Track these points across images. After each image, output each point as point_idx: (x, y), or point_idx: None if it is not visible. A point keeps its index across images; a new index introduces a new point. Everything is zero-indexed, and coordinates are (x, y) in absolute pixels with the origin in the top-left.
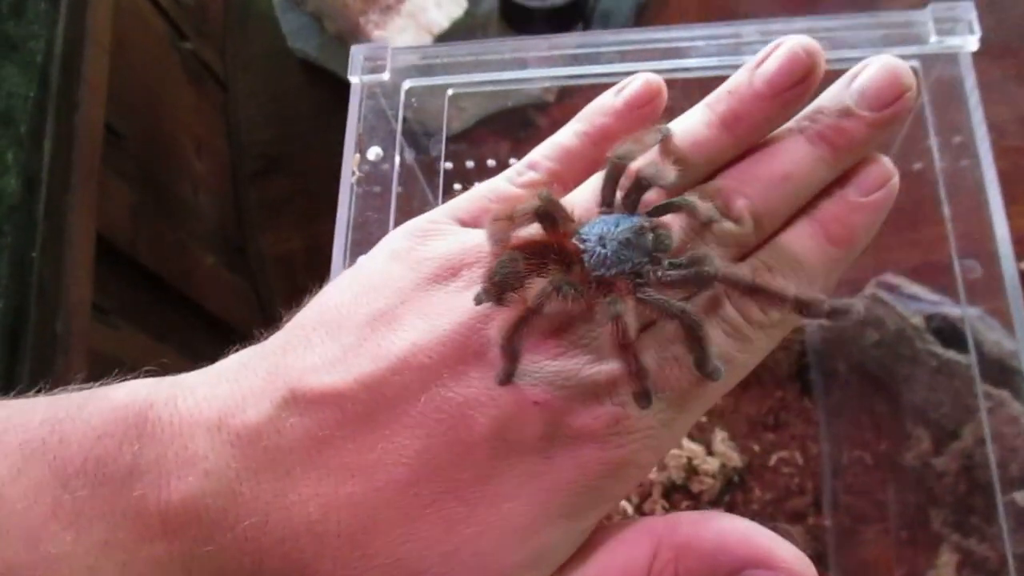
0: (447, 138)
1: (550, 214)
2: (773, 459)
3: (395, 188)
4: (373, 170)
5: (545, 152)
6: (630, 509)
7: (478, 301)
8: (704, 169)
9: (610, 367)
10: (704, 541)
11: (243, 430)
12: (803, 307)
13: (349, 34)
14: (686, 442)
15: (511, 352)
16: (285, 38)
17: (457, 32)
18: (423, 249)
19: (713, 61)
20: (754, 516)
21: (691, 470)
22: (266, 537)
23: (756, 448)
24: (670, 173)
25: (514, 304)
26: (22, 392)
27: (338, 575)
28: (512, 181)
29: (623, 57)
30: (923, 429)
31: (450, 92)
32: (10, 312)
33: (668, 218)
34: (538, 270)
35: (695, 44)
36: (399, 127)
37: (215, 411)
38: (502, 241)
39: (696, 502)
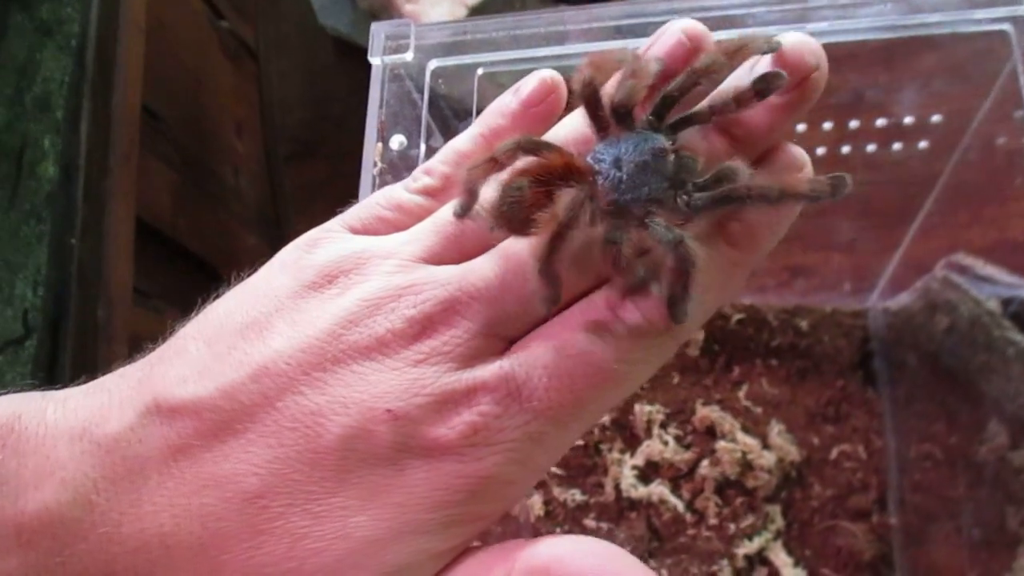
0: None
1: (536, 143)
2: (834, 453)
3: None
4: (397, 160)
5: (441, 157)
6: (681, 506)
7: (491, 228)
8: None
9: (471, 375)
10: (559, 567)
11: (104, 439)
12: (836, 192)
13: (381, 9)
14: (740, 435)
15: (551, 276)
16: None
17: (495, 5)
18: (308, 258)
19: (773, 31)
20: (813, 513)
21: (746, 465)
22: (118, 547)
23: (815, 441)
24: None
25: (544, 224)
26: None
27: None
28: (408, 188)
29: None
30: (999, 422)
31: (480, 72)
32: (51, 300)
33: (694, 139)
34: (547, 198)
35: (754, 11)
36: (424, 112)
37: (80, 420)
38: (475, 192)
39: (751, 498)
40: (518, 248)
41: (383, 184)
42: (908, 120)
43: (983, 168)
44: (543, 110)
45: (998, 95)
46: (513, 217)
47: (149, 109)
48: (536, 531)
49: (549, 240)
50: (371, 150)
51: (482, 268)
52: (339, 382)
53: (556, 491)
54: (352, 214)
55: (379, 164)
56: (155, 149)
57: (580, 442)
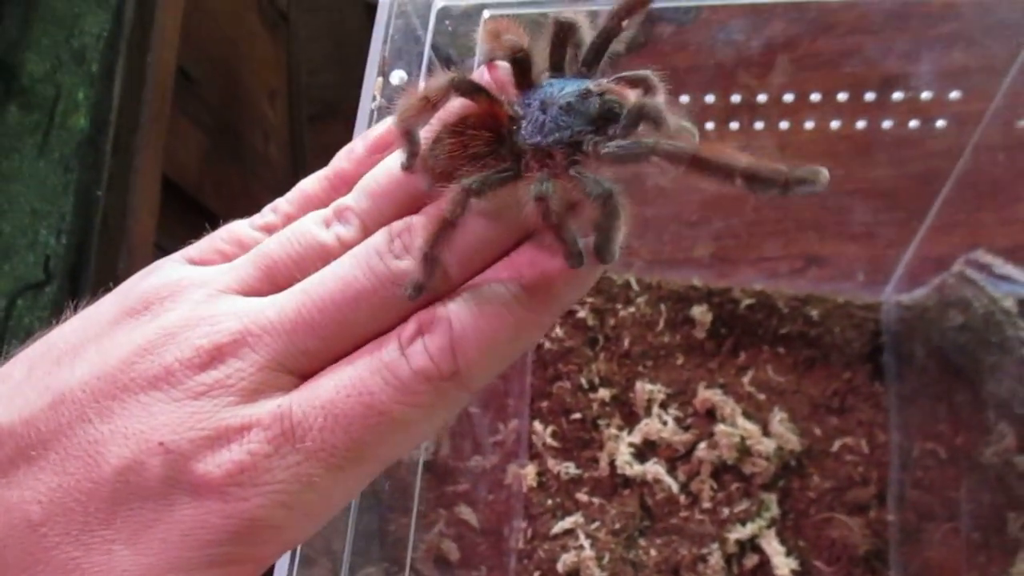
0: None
1: (470, 84)
2: (836, 445)
3: None
4: (397, 94)
5: (288, 197)
6: (675, 487)
7: (428, 187)
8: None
9: (248, 411)
10: None
11: None
12: (754, 180)
13: None
14: (741, 420)
15: (431, 261)
16: None
17: None
18: (137, 284)
19: None
20: (810, 504)
21: (744, 450)
22: None
23: (818, 432)
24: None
25: (433, 216)
26: None
27: None
28: (252, 224)
29: None
30: (1007, 424)
31: (487, 14)
32: (73, 248)
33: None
34: (464, 148)
35: None
36: (427, 48)
37: None
38: (414, 137)
39: (747, 484)
40: (320, 283)
41: (380, 119)
42: (926, 95)
43: (1004, 159)
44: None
45: (1019, 71)
46: (440, 170)
47: (184, 71)
48: (528, 501)
49: (435, 232)
50: (371, 84)
51: (281, 301)
52: (124, 412)
53: (551, 463)
54: (195, 246)
55: (378, 99)
56: (187, 110)
57: (578, 416)
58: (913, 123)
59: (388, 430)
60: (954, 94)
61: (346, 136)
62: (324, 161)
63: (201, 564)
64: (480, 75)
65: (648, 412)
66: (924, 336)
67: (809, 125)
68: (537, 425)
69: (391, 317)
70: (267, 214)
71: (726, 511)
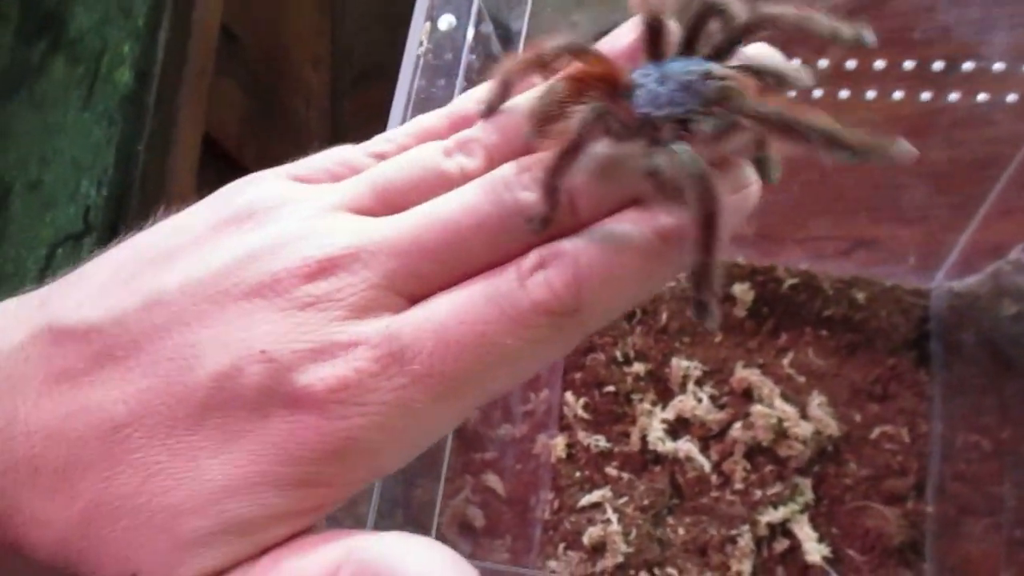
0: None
1: (589, 51)
2: (875, 433)
3: (465, 57)
4: (444, 40)
5: (405, 129)
6: (707, 466)
7: (529, 135)
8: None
9: (357, 328)
10: (386, 565)
11: None
12: (832, 143)
13: None
14: (779, 402)
15: (552, 191)
16: None
17: None
18: (240, 193)
19: None
20: (845, 491)
21: (780, 433)
22: None
23: (857, 418)
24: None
25: (557, 137)
26: None
27: (47, 513)
28: (364, 150)
29: None
30: None
31: None
32: (113, 201)
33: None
34: (578, 94)
35: None
36: None
37: None
38: (508, 86)
39: (782, 467)
40: (444, 207)
41: (427, 66)
42: (998, 67)
43: None
44: None
45: None
46: (547, 117)
47: (228, 30)
48: (556, 472)
49: (559, 155)
50: (418, 29)
51: (399, 221)
52: (225, 318)
53: (581, 435)
54: (299, 163)
55: (425, 44)
56: (230, 70)
57: (611, 389)
58: (982, 96)
59: (497, 362)
60: None
61: (389, 96)
62: (364, 125)
63: (290, 482)
64: (620, 36)
65: (683, 389)
66: (975, 325)
67: (871, 95)
68: (569, 396)
69: (510, 249)
70: (380, 142)
71: (758, 493)
